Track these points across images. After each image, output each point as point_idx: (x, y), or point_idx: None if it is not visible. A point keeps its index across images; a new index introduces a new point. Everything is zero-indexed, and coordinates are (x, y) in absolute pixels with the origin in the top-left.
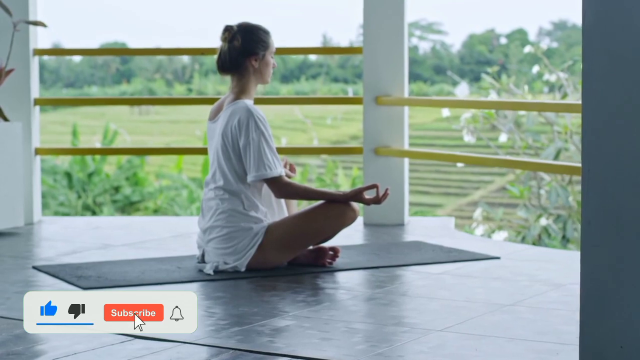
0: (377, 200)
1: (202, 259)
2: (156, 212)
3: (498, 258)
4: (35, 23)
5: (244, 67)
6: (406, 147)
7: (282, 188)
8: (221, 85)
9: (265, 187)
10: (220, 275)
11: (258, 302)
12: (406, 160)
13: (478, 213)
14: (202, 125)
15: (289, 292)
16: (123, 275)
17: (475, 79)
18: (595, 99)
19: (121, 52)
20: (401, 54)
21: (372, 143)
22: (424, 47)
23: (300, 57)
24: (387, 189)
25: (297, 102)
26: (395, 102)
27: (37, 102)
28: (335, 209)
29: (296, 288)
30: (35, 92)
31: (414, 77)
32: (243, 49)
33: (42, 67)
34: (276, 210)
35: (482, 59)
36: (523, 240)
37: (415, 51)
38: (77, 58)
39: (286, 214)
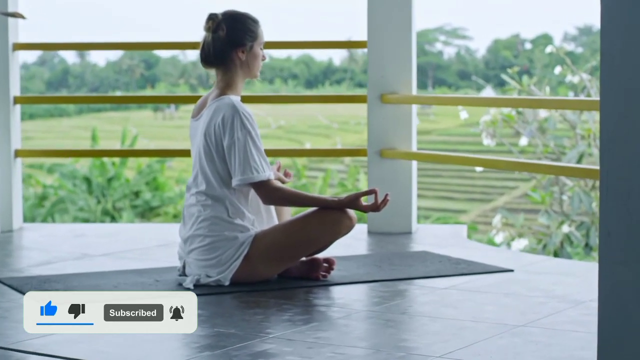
0: (376, 208)
1: (184, 272)
2: (176, 217)
3: (511, 271)
4: (13, 15)
5: (230, 60)
6: (414, 149)
7: (270, 193)
8: (245, 91)
9: (252, 192)
10: (202, 289)
11: (238, 322)
12: (414, 163)
13: (497, 220)
14: None
15: (275, 310)
16: (94, 289)
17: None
18: (614, 92)
19: (110, 46)
20: (409, 48)
21: (376, 145)
22: (449, 52)
23: (325, 62)
24: (386, 195)
25: (297, 101)
26: (402, 100)
27: (17, 100)
28: (330, 216)
29: (283, 305)
30: (16, 89)
31: (438, 82)
32: (228, 39)
33: (67, 72)
34: (265, 218)
35: (506, 64)
36: (544, 248)
37: (439, 56)
38: (102, 63)
39: (276, 222)
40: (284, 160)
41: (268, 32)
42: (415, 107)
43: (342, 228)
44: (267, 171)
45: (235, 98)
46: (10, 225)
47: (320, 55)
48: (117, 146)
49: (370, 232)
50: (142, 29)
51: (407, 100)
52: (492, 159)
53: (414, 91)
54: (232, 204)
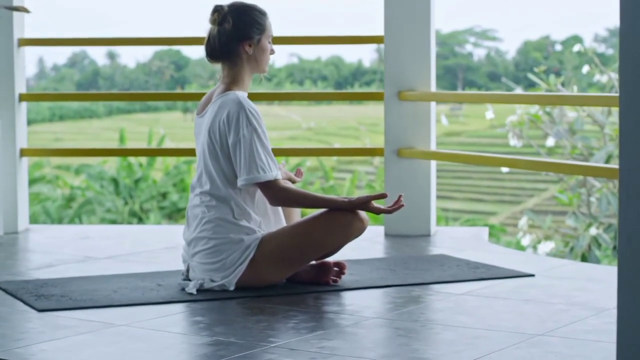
0: (388, 210)
1: (188, 276)
2: None
3: (532, 275)
4: (16, 9)
5: (236, 54)
6: (433, 148)
7: (277, 194)
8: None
9: (259, 193)
10: (205, 294)
11: (239, 329)
12: (433, 163)
13: (523, 222)
14: None
15: (280, 316)
16: (91, 294)
17: (530, 85)
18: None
19: (107, 42)
20: (427, 43)
21: (394, 144)
22: (479, 54)
23: (354, 63)
24: (400, 197)
25: (309, 98)
26: (420, 98)
27: (22, 97)
28: (340, 218)
29: (289, 311)
30: (21, 86)
31: (468, 84)
32: (235, 32)
33: (97, 73)
34: (272, 220)
35: (537, 65)
36: (572, 251)
37: (469, 58)
38: (131, 65)
39: (284, 224)
40: (303, 160)
41: (286, 27)
42: (434, 105)
43: (353, 231)
44: (275, 170)
45: (241, 94)
46: (15, 227)
47: (350, 57)
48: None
49: (387, 235)
50: (143, 29)
51: (425, 97)
52: (513, 158)
53: (433, 88)
54: (237, 204)
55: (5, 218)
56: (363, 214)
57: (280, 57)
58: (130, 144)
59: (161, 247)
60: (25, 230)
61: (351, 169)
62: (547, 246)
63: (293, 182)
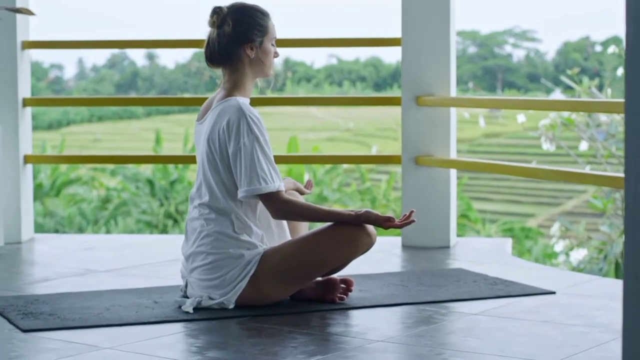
0: (397, 225)
1: (186, 292)
2: None
3: (553, 293)
4: (19, 10)
5: (237, 58)
6: (452, 156)
7: (280, 206)
8: (313, 93)
9: (261, 205)
10: (202, 313)
11: (233, 352)
12: (452, 172)
13: (556, 228)
14: (293, 132)
15: (279, 338)
16: (83, 312)
17: (569, 86)
18: None
19: (111, 44)
20: (447, 45)
21: (411, 151)
22: (518, 54)
23: (393, 64)
24: (411, 212)
25: (326, 103)
26: (439, 103)
27: (26, 102)
28: (347, 232)
29: (289, 332)
30: (25, 91)
31: (508, 85)
32: (235, 35)
33: (136, 74)
34: (276, 234)
35: (576, 66)
36: (605, 258)
37: (509, 59)
38: (171, 66)
39: (288, 238)
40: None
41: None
42: (454, 111)
43: (359, 246)
44: (277, 181)
45: (242, 100)
46: (19, 237)
47: (389, 58)
48: (179, 148)
49: (404, 246)
50: (145, 30)
51: (444, 103)
52: (532, 167)
53: (453, 93)
54: (238, 217)
55: (8, 227)
56: (371, 228)
57: (319, 58)
58: (166, 145)
59: (166, 259)
60: (29, 240)
61: (388, 170)
62: (580, 253)
63: (302, 193)
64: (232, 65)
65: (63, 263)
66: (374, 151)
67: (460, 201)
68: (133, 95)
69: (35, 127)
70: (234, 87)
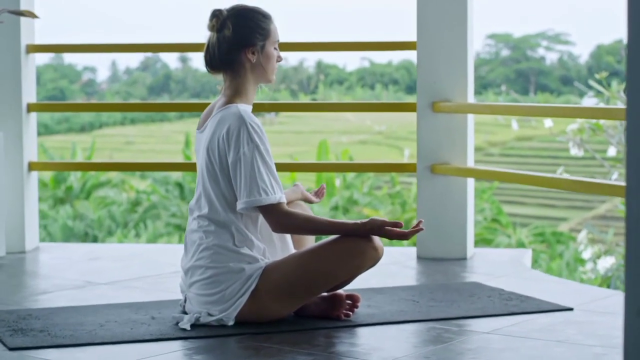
0: (404, 235)
1: (185, 308)
2: None
3: (570, 309)
4: (22, 13)
5: (238, 63)
6: (470, 164)
7: (280, 219)
8: (346, 96)
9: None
10: (200, 330)
11: None
12: (470, 181)
13: (583, 235)
14: (325, 135)
15: (279, 358)
16: (75, 328)
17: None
18: None
19: (117, 48)
20: (464, 49)
21: (427, 159)
22: (551, 57)
23: None
24: (419, 222)
25: (330, 109)
26: (456, 109)
27: (31, 107)
28: (352, 246)
29: (289, 352)
30: (30, 96)
31: (540, 88)
32: (235, 39)
33: (169, 77)
34: (279, 247)
35: (610, 69)
36: None
37: (541, 62)
38: (203, 68)
39: (292, 252)
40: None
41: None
42: (471, 117)
43: (365, 260)
44: (278, 193)
45: (243, 107)
46: (23, 246)
47: None
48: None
49: (419, 258)
50: (148, 32)
51: (461, 109)
52: (553, 177)
53: (471, 99)
54: (238, 230)
55: (11, 236)
56: (378, 241)
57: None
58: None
59: (171, 270)
60: (33, 250)
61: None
62: (607, 261)
63: (310, 202)
64: (233, 71)
65: (64, 274)
66: (406, 155)
67: (492, 205)
68: (165, 98)
69: (68, 130)
70: (235, 94)
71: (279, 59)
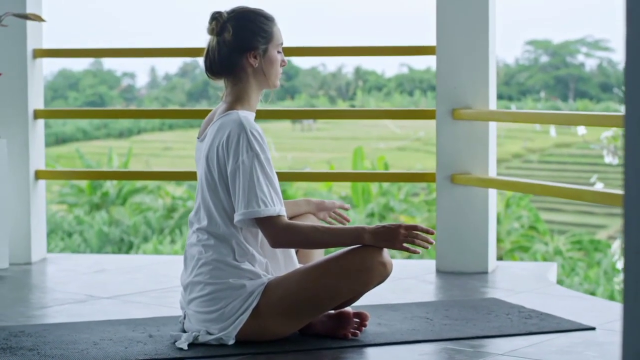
0: (413, 250)
1: (184, 326)
2: None
3: (592, 329)
4: (27, 17)
5: (240, 68)
6: (491, 174)
7: (279, 233)
8: (384, 102)
9: None
10: (198, 350)
11: None
12: (492, 192)
13: (617, 246)
14: (362, 141)
15: None
16: (67, 347)
17: None
18: None
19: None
20: (485, 54)
21: (447, 169)
22: (591, 64)
23: None
24: (431, 233)
25: (353, 117)
26: (477, 117)
27: (38, 114)
28: (358, 262)
29: None
30: (37, 102)
31: (580, 95)
32: (236, 43)
33: (207, 83)
34: (282, 262)
35: None
36: None
37: (581, 68)
38: None
39: (296, 266)
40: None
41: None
42: (493, 125)
43: (372, 277)
44: (278, 205)
45: (244, 114)
46: (29, 257)
47: None
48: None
49: (438, 271)
50: (148, 36)
51: (482, 117)
52: (577, 188)
53: (492, 105)
54: (239, 244)
55: (16, 247)
56: (387, 256)
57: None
58: None
59: (177, 284)
60: (40, 261)
61: None
62: None
63: (323, 219)
64: (234, 76)
65: (66, 288)
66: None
67: (529, 213)
68: (204, 104)
69: (106, 136)
70: (236, 100)
71: (283, 63)
